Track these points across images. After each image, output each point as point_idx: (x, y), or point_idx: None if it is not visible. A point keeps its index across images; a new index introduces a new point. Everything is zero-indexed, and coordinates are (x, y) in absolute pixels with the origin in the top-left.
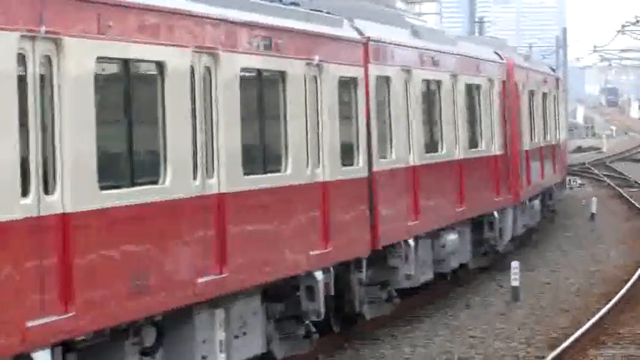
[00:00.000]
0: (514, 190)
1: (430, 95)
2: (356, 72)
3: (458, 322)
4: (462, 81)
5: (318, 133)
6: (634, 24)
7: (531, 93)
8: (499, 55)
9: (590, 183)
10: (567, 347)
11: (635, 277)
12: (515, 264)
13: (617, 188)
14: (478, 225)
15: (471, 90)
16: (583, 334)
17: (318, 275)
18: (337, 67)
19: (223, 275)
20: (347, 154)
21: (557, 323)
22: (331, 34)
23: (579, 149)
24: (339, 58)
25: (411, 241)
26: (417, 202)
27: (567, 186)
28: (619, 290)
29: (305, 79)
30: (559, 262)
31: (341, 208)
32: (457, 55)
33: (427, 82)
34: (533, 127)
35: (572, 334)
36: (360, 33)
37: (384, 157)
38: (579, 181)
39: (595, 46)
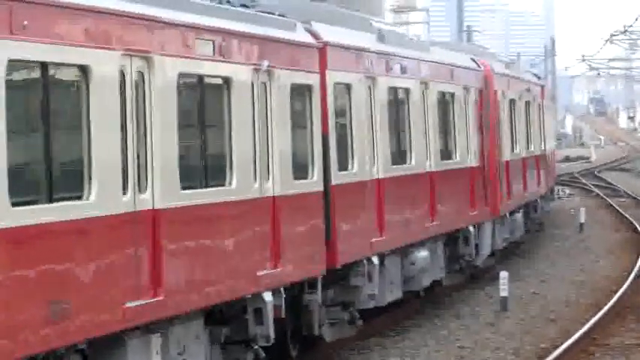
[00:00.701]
0: (492, 203)
1: (398, 104)
2: (311, 79)
3: (446, 331)
4: (434, 89)
5: (267, 143)
6: (622, 33)
7: (512, 102)
8: (476, 63)
9: (578, 193)
10: (556, 358)
11: (624, 287)
12: (503, 274)
13: (605, 198)
14: (453, 240)
15: (445, 98)
16: (572, 345)
17: (267, 297)
18: (290, 73)
19: (158, 298)
20: (300, 166)
21: (546, 334)
22: (282, 38)
23: (567, 159)
24: (291, 63)
25: (375, 259)
26: (382, 218)
27: (556, 196)
28: (608, 301)
29: (253, 85)
30: (548, 272)
31: (293, 224)
32: (429, 61)
33: (394, 89)
34: (515, 137)
35: (561, 344)
36: (317, 37)
37: (345, 170)
38: (568, 191)
39: (583, 56)
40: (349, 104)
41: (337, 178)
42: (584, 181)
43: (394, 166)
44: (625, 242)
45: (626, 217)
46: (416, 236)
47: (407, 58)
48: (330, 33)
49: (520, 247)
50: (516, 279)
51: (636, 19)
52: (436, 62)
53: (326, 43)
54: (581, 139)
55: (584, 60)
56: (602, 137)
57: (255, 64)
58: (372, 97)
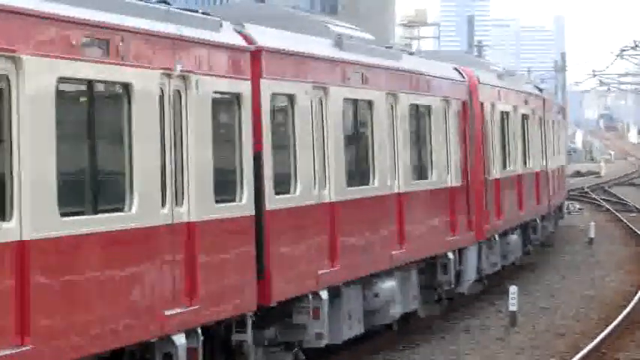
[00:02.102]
0: (477, 226)
1: (357, 117)
2: (240, 87)
3: (456, 346)
4: (404, 101)
5: (182, 161)
6: (633, 48)
7: (505, 115)
8: (460, 72)
9: (588, 208)
10: None
11: (633, 302)
12: (513, 289)
13: (615, 213)
14: (431, 267)
15: (419, 111)
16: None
17: (179, 340)
18: (211, 79)
19: (24, 348)
20: (225, 188)
21: (556, 348)
22: (202, 39)
23: (578, 174)
24: (214, 68)
25: (324, 293)
26: (334, 246)
27: (565, 211)
28: (617, 315)
29: (162, 92)
30: (557, 286)
31: (215, 254)
32: (398, 70)
33: (353, 102)
34: (508, 153)
35: (570, 359)
36: (249, 40)
37: (285, 193)
38: (578, 206)
39: (594, 71)
40: (292, 118)
41: (273, 202)
42: (594, 195)
43: (351, 188)
44: (635, 257)
45: (635, 232)
46: (380, 265)
47: (370, 66)
48: (268, 36)
49: (530, 262)
50: (526, 293)
51: None
52: (408, 72)
53: (260, 48)
54: (592, 154)
55: (594, 75)
56: (612, 152)
57: (165, 69)
58: (323, 109)
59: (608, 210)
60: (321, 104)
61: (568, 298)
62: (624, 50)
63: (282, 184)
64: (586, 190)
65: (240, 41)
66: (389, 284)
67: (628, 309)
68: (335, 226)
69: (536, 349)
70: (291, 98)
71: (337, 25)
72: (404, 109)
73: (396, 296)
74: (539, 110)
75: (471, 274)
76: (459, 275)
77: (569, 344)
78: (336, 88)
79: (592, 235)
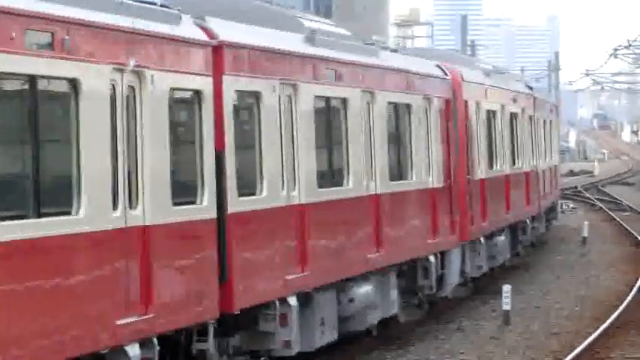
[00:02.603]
0: (461, 228)
1: (331, 116)
2: (201, 84)
3: (449, 345)
4: (382, 99)
5: (136, 161)
6: (626, 47)
7: (492, 113)
8: (443, 70)
9: (582, 207)
10: None
11: (626, 301)
12: (506, 288)
13: (609, 212)
14: (412, 271)
15: (398, 110)
16: (574, 359)
17: (132, 350)
18: (169, 76)
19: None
20: (184, 189)
21: (549, 347)
22: (158, 33)
23: (571, 173)
24: (171, 64)
25: (292, 299)
26: (304, 251)
27: (559, 210)
28: (610, 314)
29: (114, 89)
30: (550, 285)
31: (172, 260)
32: (375, 67)
33: (325, 99)
34: (495, 153)
35: (564, 358)
36: (211, 34)
37: (250, 195)
38: (571, 205)
39: (587, 70)
40: (258, 116)
41: (236, 204)
42: (587, 194)
43: (323, 189)
44: (628, 256)
45: (629, 231)
46: (354, 269)
47: (344, 63)
48: (231, 30)
49: (523, 261)
50: (519, 292)
51: None
52: (386, 68)
53: (222, 42)
54: (585, 153)
55: (588, 74)
56: (605, 151)
57: (117, 63)
58: (293, 107)
59: (601, 209)
60: (291, 102)
61: (562, 297)
62: (618, 49)
63: (247, 186)
64: (580, 189)
65: (200, 35)
66: (365, 289)
67: (621, 308)
68: (305, 229)
69: (530, 348)
70: (256, 96)
71: (311, 20)
72: (381, 108)
73: (373, 301)
74: (529, 109)
75: (454, 278)
76: (441, 279)
77: (562, 343)
78: (307, 85)
79: (585, 234)
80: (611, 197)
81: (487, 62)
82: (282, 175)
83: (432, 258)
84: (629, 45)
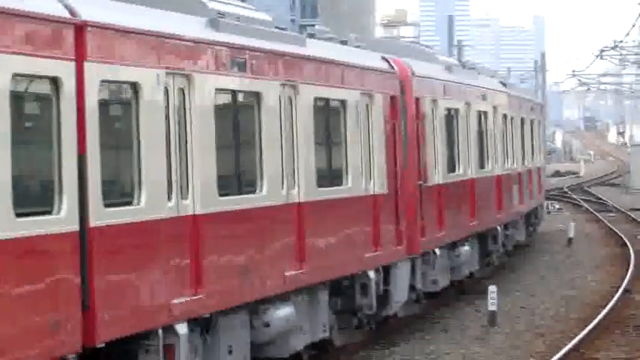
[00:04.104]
0: (409, 239)
1: (238, 112)
2: (58, 70)
3: (435, 346)
4: (308, 93)
5: None
6: (612, 49)
7: (454, 112)
8: (388, 62)
9: (568, 208)
10: None
11: (612, 302)
12: (492, 288)
13: (595, 213)
14: (350, 288)
15: (329, 107)
16: (560, 359)
17: None
18: (12, 58)
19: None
20: (34, 198)
21: (534, 348)
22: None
23: (557, 174)
24: (17, 44)
25: (181, 327)
26: (197, 269)
27: (545, 210)
28: (596, 315)
29: None
30: (536, 286)
31: (14, 283)
32: (299, 57)
33: (231, 92)
34: (458, 156)
35: (549, 358)
36: (72, 11)
37: (122, 204)
38: (557, 206)
39: (574, 71)
40: (135, 111)
41: (103, 215)
42: (573, 195)
43: (226, 198)
44: (614, 257)
45: (614, 232)
46: (269, 289)
47: (257, 51)
48: (99, 8)
49: (509, 262)
50: (505, 293)
51: (627, 35)
52: (313, 59)
53: (85, 22)
54: (571, 154)
55: (574, 75)
56: (591, 152)
57: None
58: (185, 102)
59: (587, 210)
60: (183, 96)
61: (547, 298)
62: (604, 50)
63: (119, 194)
64: (565, 189)
65: (60, 12)
66: (284, 311)
67: (607, 309)
68: (200, 243)
69: (516, 349)
70: (134, 87)
71: (219, 2)
72: (307, 103)
73: (296, 324)
74: (503, 107)
75: (401, 295)
76: (385, 296)
77: (548, 344)
78: (205, 75)
79: (571, 235)
80: (597, 198)
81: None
82: (170, 182)
83: (371, 273)
84: (616, 46)
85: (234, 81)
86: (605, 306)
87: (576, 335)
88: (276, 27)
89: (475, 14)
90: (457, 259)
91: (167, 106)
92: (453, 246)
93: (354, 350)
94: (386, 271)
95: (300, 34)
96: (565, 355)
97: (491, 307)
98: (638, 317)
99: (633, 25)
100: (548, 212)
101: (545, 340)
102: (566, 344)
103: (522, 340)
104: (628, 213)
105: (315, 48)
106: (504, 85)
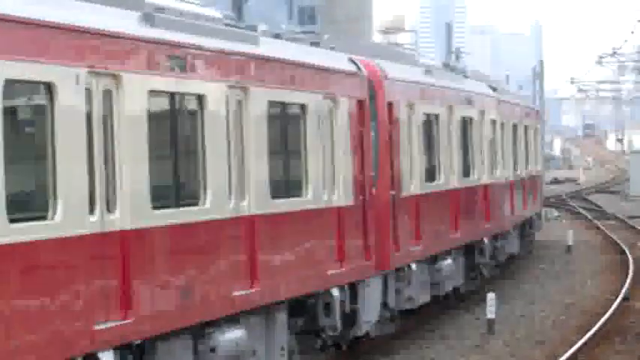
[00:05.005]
0: (380, 254)
1: (176, 117)
2: None
3: (433, 353)
4: (260, 97)
5: None
6: (611, 56)
7: (433, 117)
8: (356, 64)
9: (567, 215)
10: None
11: (611, 310)
12: (491, 296)
13: (593, 221)
14: (313, 308)
15: (285, 112)
16: None
17: None
18: None
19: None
20: None
21: (533, 356)
22: None
23: (556, 181)
24: None
25: (107, 356)
26: (126, 291)
27: (543, 219)
28: (595, 323)
29: None
30: (535, 294)
31: None
32: (250, 56)
33: (169, 95)
34: (438, 164)
35: None
36: None
37: (36, 219)
38: (556, 213)
39: (572, 78)
40: (50, 115)
41: (8, 232)
42: (572, 203)
43: (161, 212)
44: (612, 264)
45: (613, 240)
46: (213, 311)
47: (199, 49)
48: None
49: (508, 269)
50: (503, 301)
51: (625, 42)
52: (266, 59)
53: None
54: (570, 161)
55: (572, 82)
56: (590, 159)
57: None
58: (113, 105)
59: (586, 217)
60: (110, 98)
61: (546, 305)
62: (602, 57)
63: (29, 208)
64: (564, 197)
65: None
66: (233, 334)
67: (606, 317)
68: (130, 262)
69: (514, 357)
70: (49, 88)
71: None
72: (260, 108)
73: (247, 348)
74: (492, 112)
75: (371, 314)
76: (353, 315)
77: (547, 352)
78: (135, 75)
79: (570, 242)
80: (596, 206)
81: (423, 56)
82: (92, 194)
83: (335, 291)
84: (614, 53)
85: (171, 82)
86: (604, 314)
87: (575, 343)
88: (227, 24)
89: (473, 21)
90: (438, 274)
91: (90, 110)
92: (434, 260)
93: (357, 356)
94: (354, 289)
95: (253, 32)
96: None
97: (490, 315)
98: (637, 325)
99: (632, 32)
100: (547, 220)
101: (544, 348)
102: (565, 352)
103: (521, 348)
104: (627, 220)
105: (269, 47)
106: (494, 89)
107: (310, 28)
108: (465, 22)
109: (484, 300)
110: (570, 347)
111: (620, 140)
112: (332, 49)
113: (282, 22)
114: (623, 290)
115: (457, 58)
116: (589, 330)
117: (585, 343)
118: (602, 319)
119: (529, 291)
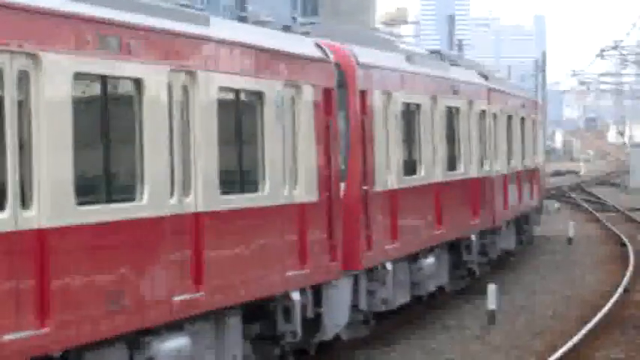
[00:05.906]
0: (348, 253)
1: (110, 103)
2: None
3: (434, 344)
4: (209, 83)
5: None
6: (613, 49)
7: (415, 107)
8: (322, 49)
9: (568, 207)
10: None
11: (611, 301)
12: (492, 287)
13: (594, 213)
14: (273, 313)
15: (239, 100)
16: (559, 359)
17: None
18: None
19: None
20: None
21: (533, 347)
22: None
23: (557, 173)
24: None
25: None
26: (43, 297)
27: (544, 211)
28: (595, 314)
29: None
30: (536, 285)
31: None
32: (197, 39)
33: (99, 79)
34: (419, 157)
35: (548, 358)
36: None
37: None
38: (557, 205)
39: (574, 70)
40: None
41: None
42: (573, 195)
43: (87, 208)
44: (613, 256)
45: (614, 232)
46: (155, 317)
47: (135, 28)
48: None
49: (509, 260)
50: (504, 292)
51: (627, 35)
52: (217, 42)
53: None
54: (571, 154)
55: (574, 75)
56: (591, 152)
57: None
58: (31, 90)
59: (587, 210)
60: (28, 81)
61: (547, 296)
62: (604, 50)
63: None
64: (565, 189)
65: None
66: (175, 342)
67: (606, 308)
68: (48, 264)
69: (515, 347)
70: None
71: None
72: (208, 95)
73: (192, 358)
74: (482, 102)
75: (339, 317)
76: (317, 320)
77: (547, 343)
78: (59, 56)
79: (571, 234)
80: (597, 198)
81: (407, 42)
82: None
83: (295, 295)
84: (616, 46)
85: (100, 64)
86: (605, 305)
87: (575, 334)
88: (177, 4)
89: (476, 13)
90: (420, 273)
91: (1, 94)
92: (415, 258)
93: (358, 346)
94: (318, 291)
95: (203, 12)
96: (564, 354)
97: (491, 306)
98: (638, 317)
99: (634, 25)
100: (548, 212)
101: (545, 340)
102: (565, 343)
103: (522, 339)
104: (627, 213)
105: (221, 29)
106: (485, 77)
107: (313, 19)
108: (468, 14)
109: (485, 291)
110: (570, 338)
111: (621, 133)
112: (306, 34)
113: (285, 14)
114: (624, 282)
115: (459, 50)
116: (589, 321)
117: (586, 335)
118: (603, 311)
119: (530, 282)
